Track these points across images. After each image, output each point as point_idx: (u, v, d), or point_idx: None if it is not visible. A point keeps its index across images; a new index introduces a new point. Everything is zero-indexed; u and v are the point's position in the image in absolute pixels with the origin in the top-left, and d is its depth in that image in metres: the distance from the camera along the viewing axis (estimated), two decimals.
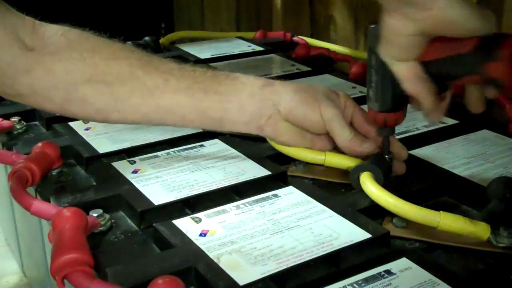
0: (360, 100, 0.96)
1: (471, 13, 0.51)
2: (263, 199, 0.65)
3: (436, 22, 0.52)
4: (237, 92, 0.66)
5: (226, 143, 0.79)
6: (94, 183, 0.72)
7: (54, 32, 0.66)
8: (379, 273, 0.53)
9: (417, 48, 0.55)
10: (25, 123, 0.88)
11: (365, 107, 0.67)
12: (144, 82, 0.65)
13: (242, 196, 0.66)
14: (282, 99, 0.66)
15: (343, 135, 0.67)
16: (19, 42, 0.63)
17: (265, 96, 0.66)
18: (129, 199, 0.65)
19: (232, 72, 0.69)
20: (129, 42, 1.22)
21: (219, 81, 0.67)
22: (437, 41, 0.55)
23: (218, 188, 0.68)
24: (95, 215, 0.61)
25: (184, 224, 0.60)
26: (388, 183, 0.66)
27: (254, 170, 0.72)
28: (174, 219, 0.61)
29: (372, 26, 0.60)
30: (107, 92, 0.65)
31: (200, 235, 0.58)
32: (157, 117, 0.68)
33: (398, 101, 0.63)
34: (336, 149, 0.71)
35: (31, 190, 0.69)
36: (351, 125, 0.69)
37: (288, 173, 0.72)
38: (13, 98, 0.68)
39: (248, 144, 0.80)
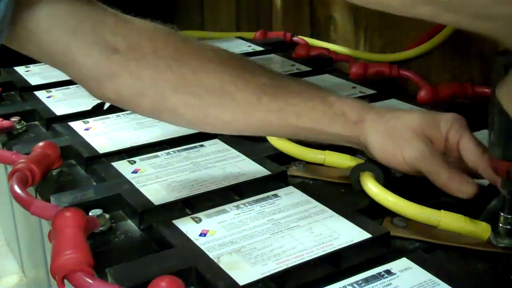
0: None
1: None
2: (263, 199, 0.65)
3: None
4: (330, 124, 0.63)
5: (226, 143, 0.79)
6: (94, 183, 0.72)
7: (138, 33, 0.62)
8: (379, 273, 0.53)
9: None
10: (25, 123, 0.88)
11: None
12: (235, 98, 0.62)
13: (242, 196, 0.66)
14: (368, 140, 0.63)
15: (433, 178, 0.61)
16: (101, 43, 0.59)
17: (355, 133, 0.63)
18: (129, 199, 0.65)
19: (326, 92, 0.65)
20: None
21: (314, 106, 0.63)
22: None
23: (218, 188, 0.68)
24: (95, 215, 0.61)
25: (184, 224, 0.60)
26: (388, 183, 0.66)
27: (254, 170, 0.72)
28: (174, 219, 0.61)
29: (501, 56, 0.50)
30: (197, 105, 0.62)
31: (200, 235, 0.58)
32: (250, 132, 0.67)
33: None
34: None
35: (31, 190, 0.69)
36: (459, 153, 0.62)
37: (288, 173, 0.72)
38: (102, 100, 0.66)
39: (248, 144, 0.80)
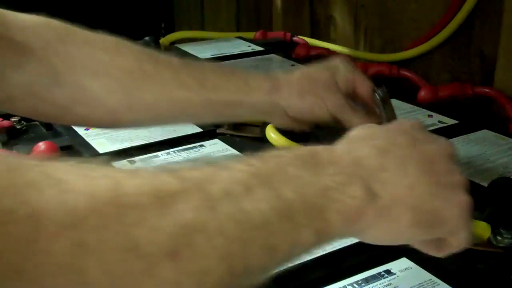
0: None
1: None
2: None
3: None
4: (248, 95, 0.65)
5: (226, 143, 0.79)
6: None
7: (35, 22, 0.58)
8: (379, 273, 0.53)
9: None
10: (25, 123, 0.88)
11: None
12: (155, 76, 0.61)
13: None
14: (289, 105, 0.66)
15: (354, 124, 0.63)
16: None
17: (272, 101, 0.66)
18: None
19: (233, 68, 0.68)
20: None
21: (228, 79, 0.65)
22: None
23: None
24: None
25: None
26: None
27: None
28: None
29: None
30: (119, 89, 0.60)
31: None
32: (170, 115, 0.66)
33: None
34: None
35: None
36: (355, 93, 0.67)
37: None
38: (4, 104, 0.59)
39: (248, 144, 0.79)
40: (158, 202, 0.32)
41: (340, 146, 0.43)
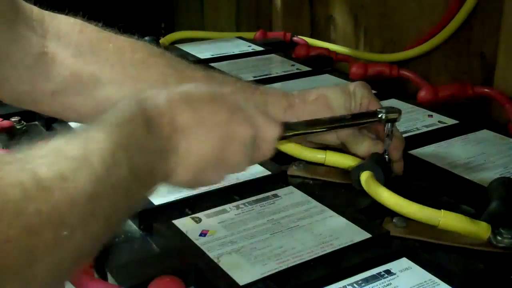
0: None
1: None
2: (263, 199, 0.65)
3: None
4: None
5: None
6: None
7: (70, 28, 0.60)
8: (379, 273, 0.53)
9: None
10: (25, 123, 0.88)
11: None
12: None
13: (242, 196, 0.66)
14: None
15: (359, 152, 0.70)
16: (34, 42, 0.57)
17: (286, 118, 0.66)
18: None
19: (252, 83, 0.69)
20: None
21: (248, 96, 0.66)
22: None
23: (218, 188, 0.67)
24: None
25: (184, 224, 0.60)
26: (388, 183, 0.66)
27: (254, 170, 0.71)
28: (174, 219, 0.61)
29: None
30: None
31: (200, 235, 0.58)
32: None
33: None
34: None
35: None
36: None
37: (288, 173, 0.72)
38: (30, 105, 0.63)
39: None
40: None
41: (166, 104, 0.47)
